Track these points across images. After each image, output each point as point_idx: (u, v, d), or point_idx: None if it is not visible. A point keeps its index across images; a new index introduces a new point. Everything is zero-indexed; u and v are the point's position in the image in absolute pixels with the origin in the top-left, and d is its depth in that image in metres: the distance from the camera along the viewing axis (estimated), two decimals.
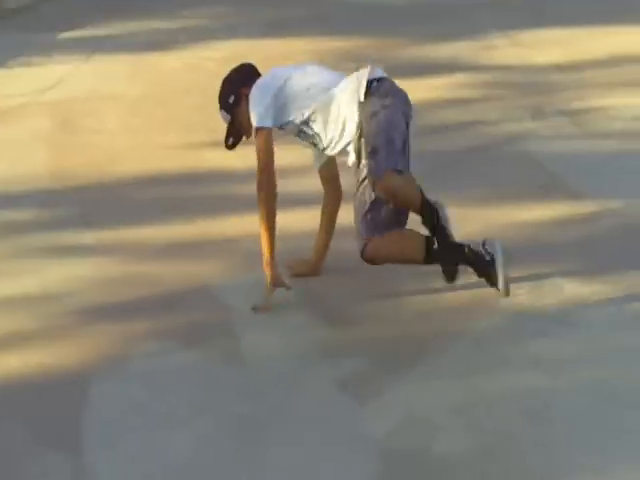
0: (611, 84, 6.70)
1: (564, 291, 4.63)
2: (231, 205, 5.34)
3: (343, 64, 6.73)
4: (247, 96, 4.53)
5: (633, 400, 3.94)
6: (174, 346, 4.32)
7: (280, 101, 4.48)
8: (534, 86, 6.69)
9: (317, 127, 4.51)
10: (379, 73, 4.55)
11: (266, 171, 4.41)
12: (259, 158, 4.42)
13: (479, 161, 5.80)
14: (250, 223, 5.04)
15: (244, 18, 7.93)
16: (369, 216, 4.30)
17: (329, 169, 4.74)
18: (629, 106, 6.39)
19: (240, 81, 4.63)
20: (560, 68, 6.95)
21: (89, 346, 4.33)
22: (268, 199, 4.40)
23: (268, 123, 4.46)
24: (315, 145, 4.60)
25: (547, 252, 4.91)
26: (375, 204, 4.30)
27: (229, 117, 4.63)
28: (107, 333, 4.39)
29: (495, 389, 4.07)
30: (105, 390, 4.05)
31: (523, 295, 4.59)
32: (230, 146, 4.64)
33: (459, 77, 6.68)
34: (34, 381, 4.13)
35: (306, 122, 4.51)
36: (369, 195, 4.30)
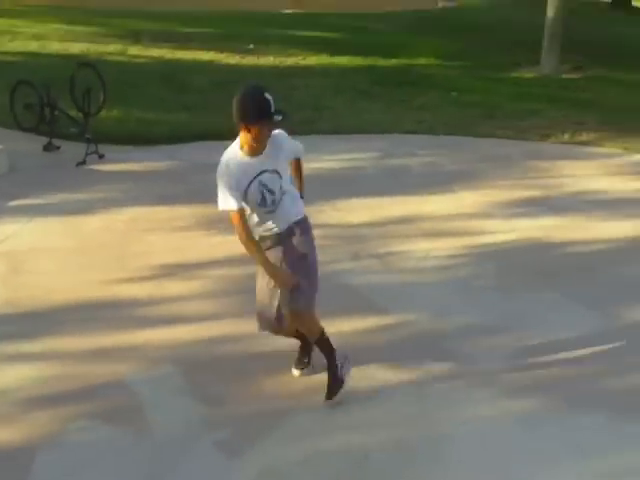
0: (406, 235, 6.91)
1: (374, 376, 4.80)
2: (135, 322, 5.37)
3: (214, 225, 6.84)
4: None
5: (420, 448, 4.20)
6: (98, 423, 4.33)
7: None
8: (351, 238, 6.85)
9: None
10: None
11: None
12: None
13: None
14: (144, 335, 5.15)
15: (141, 191, 7.90)
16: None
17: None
18: (416, 250, 6.63)
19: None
20: (369, 225, 7.15)
21: (33, 427, 4.30)
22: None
23: None
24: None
25: (361, 352, 5.00)
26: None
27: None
28: (47, 416, 4.37)
29: (328, 445, 4.21)
30: (44, 459, 4.06)
31: (348, 380, 4.65)
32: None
33: None
34: None
35: None
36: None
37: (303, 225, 4.52)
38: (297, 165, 4.63)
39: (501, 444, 4.25)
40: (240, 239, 4.32)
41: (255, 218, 4.40)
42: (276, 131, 4.27)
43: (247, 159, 4.23)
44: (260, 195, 4.29)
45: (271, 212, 4.39)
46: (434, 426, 4.38)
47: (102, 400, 4.53)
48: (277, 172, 4.30)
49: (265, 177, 4.27)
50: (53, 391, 4.59)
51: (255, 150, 4.21)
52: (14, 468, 4.00)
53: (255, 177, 4.24)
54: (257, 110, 4.06)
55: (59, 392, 4.58)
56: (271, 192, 4.31)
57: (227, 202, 4.23)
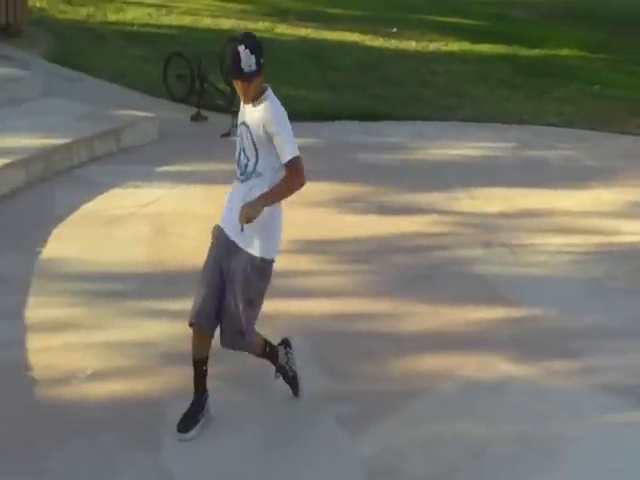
0: (539, 228, 6.75)
1: (498, 368, 4.74)
2: (268, 292, 5.28)
3: (350, 204, 6.98)
4: (260, 77, 3.77)
5: (542, 445, 4.12)
6: (227, 385, 4.41)
7: None
8: (484, 226, 6.75)
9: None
10: None
11: (302, 184, 3.89)
12: (302, 175, 3.86)
13: (441, 275, 5.84)
14: (275, 305, 5.01)
15: None
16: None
17: None
18: (550, 244, 6.47)
19: (260, 57, 3.76)
20: (503, 215, 7.01)
21: (168, 380, 4.46)
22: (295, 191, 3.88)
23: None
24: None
25: (486, 343, 4.98)
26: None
27: (247, 75, 3.72)
28: (181, 372, 4.42)
29: (448, 432, 4.18)
30: (176, 411, 4.14)
31: (470, 370, 4.69)
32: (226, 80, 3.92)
33: (433, 217, 6.75)
34: (128, 401, 4.27)
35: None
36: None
37: (254, 263, 3.90)
38: (287, 175, 3.86)
39: (619, 452, 4.10)
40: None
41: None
42: (276, 104, 3.83)
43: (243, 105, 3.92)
44: (237, 147, 3.91)
45: (238, 181, 3.93)
46: (554, 425, 4.28)
47: (232, 363, 4.56)
48: (253, 141, 3.81)
49: (242, 130, 3.87)
50: (187, 349, 4.55)
51: (242, 99, 3.86)
52: (151, 415, 4.18)
53: (239, 124, 3.92)
54: (229, 64, 3.80)
55: None
56: (244, 153, 3.86)
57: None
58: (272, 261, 3.98)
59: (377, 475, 3.89)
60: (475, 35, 15.36)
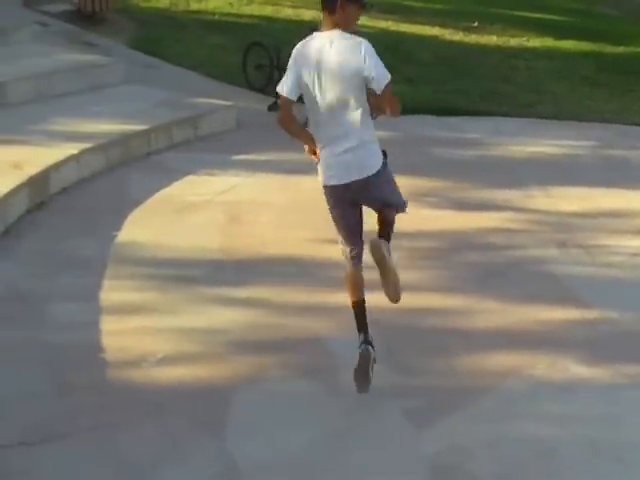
0: (617, 230, 6.61)
1: (569, 370, 4.66)
2: (339, 283, 5.30)
3: (425, 198, 6.92)
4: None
5: (612, 450, 4.02)
6: (293, 375, 4.45)
7: None
8: (560, 225, 6.63)
9: None
10: None
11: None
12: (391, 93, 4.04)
13: (514, 274, 5.77)
14: (346, 296, 5.11)
15: None
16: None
17: None
18: (628, 246, 6.32)
19: None
20: (579, 215, 6.88)
21: (236, 368, 4.50)
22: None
23: None
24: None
25: (558, 343, 4.90)
26: None
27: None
28: (248, 361, 4.56)
29: (516, 432, 4.13)
30: (243, 399, 4.24)
31: (540, 370, 4.62)
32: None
33: (508, 214, 6.67)
34: (196, 387, 4.32)
35: None
36: None
37: (383, 172, 4.22)
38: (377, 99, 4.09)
39: None
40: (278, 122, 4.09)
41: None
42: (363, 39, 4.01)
43: None
44: None
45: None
46: (625, 430, 4.18)
47: (299, 354, 4.63)
48: None
49: None
50: (256, 338, 4.74)
51: (350, 26, 3.98)
52: (216, 401, 4.23)
53: None
54: None
55: (262, 340, 4.73)
56: None
57: (282, 84, 4.04)
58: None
59: (441, 472, 3.86)
60: (558, 31, 15.05)
